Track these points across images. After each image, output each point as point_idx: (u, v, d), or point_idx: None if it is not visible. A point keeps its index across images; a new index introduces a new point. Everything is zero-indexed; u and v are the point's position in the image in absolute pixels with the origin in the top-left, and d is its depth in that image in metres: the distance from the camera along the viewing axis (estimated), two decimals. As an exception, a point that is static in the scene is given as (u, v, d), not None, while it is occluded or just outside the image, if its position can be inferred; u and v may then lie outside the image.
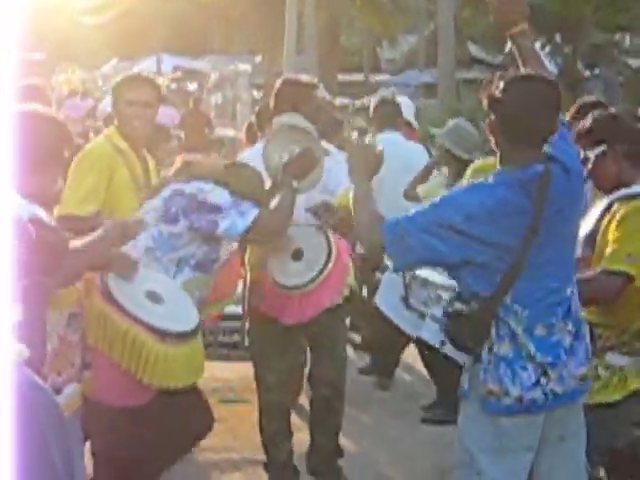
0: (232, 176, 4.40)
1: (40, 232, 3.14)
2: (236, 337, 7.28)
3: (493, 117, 3.50)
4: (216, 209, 4.25)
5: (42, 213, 3.40)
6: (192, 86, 22.22)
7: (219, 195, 4.29)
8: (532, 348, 3.42)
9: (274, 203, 4.52)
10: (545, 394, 3.43)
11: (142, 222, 4.12)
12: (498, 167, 3.54)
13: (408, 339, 6.11)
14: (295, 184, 4.58)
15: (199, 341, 4.14)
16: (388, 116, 7.67)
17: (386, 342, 7.18)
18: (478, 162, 6.33)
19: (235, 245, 4.67)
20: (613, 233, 3.96)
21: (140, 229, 4.04)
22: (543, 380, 3.42)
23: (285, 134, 4.91)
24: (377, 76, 35.16)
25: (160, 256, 4.28)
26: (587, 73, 29.62)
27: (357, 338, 8.22)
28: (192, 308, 4.19)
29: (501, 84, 3.45)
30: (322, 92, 5.50)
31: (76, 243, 3.61)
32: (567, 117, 4.91)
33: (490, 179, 3.46)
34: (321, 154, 4.86)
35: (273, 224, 4.44)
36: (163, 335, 3.92)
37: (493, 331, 3.44)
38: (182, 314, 4.11)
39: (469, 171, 6.25)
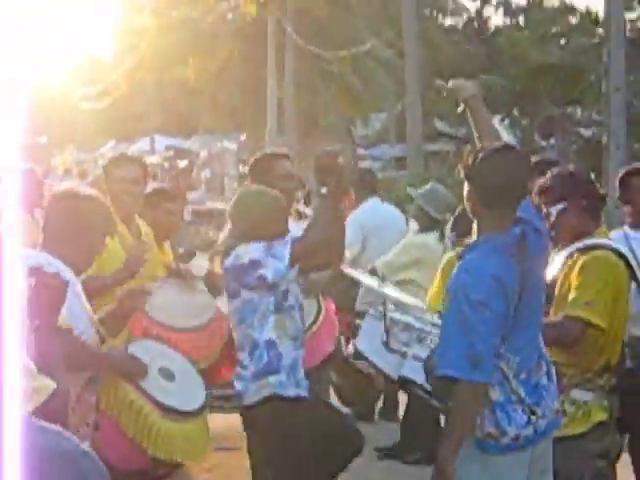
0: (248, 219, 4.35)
1: (40, 278, 3.17)
2: (229, 390, 7.26)
3: (469, 187, 3.55)
4: (256, 264, 4.21)
5: (53, 263, 3.55)
6: (183, 163, 22.35)
7: (252, 250, 4.24)
8: (522, 392, 3.47)
9: (309, 220, 4.46)
10: (535, 430, 3.49)
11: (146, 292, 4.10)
12: (476, 234, 3.56)
13: (380, 391, 6.09)
14: (323, 190, 4.36)
15: (204, 420, 4.16)
16: (369, 184, 7.86)
17: (361, 395, 7.16)
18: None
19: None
20: (574, 282, 4.03)
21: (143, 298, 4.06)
22: (533, 418, 3.48)
23: None
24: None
25: (250, 323, 4.30)
26: (543, 143, 30.00)
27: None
28: (201, 388, 4.25)
29: (476, 156, 3.51)
30: (286, 164, 5.50)
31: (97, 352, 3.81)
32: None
33: (478, 252, 3.49)
34: (350, 158, 4.81)
35: (313, 240, 4.25)
36: (167, 411, 3.96)
37: None
38: (190, 393, 4.17)
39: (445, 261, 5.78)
